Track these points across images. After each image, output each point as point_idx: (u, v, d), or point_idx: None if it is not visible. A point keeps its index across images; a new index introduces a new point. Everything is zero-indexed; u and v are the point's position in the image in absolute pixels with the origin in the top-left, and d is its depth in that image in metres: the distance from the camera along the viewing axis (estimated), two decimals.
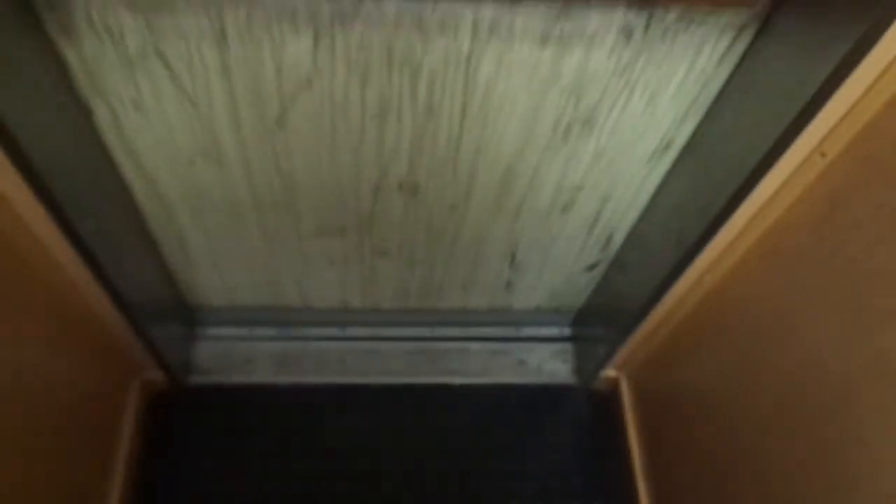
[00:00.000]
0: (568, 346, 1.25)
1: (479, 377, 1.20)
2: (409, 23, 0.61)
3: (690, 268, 0.82)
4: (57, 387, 0.82)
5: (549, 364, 1.23)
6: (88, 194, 0.72)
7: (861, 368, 0.59)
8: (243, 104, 0.69)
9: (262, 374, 1.16)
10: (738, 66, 0.67)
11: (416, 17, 0.60)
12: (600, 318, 1.10)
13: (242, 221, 0.89)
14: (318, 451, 1.11)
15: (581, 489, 1.12)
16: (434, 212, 0.89)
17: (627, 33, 0.63)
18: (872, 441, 0.58)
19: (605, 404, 1.20)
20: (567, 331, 1.25)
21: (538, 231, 0.95)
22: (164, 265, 0.98)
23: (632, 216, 0.93)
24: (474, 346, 1.23)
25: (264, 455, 1.10)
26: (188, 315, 1.15)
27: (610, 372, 1.19)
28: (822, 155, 0.63)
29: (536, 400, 1.19)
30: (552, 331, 1.25)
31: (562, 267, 1.06)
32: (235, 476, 1.08)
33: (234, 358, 1.17)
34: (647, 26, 0.62)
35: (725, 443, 0.84)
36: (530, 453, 1.14)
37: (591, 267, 1.06)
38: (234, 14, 0.59)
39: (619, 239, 0.98)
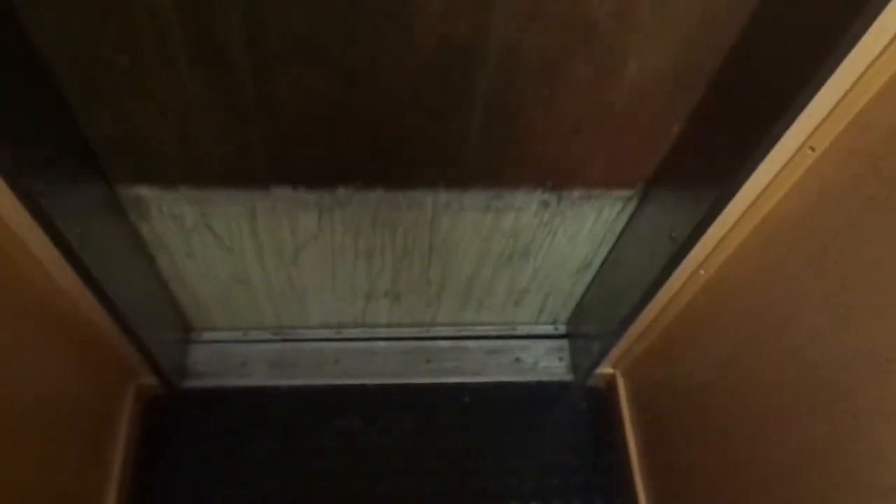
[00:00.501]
0: (564, 343, 1.26)
1: (476, 376, 1.21)
2: (388, 204, 0.85)
3: (684, 263, 0.83)
4: (49, 393, 0.83)
5: (545, 361, 1.24)
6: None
7: (855, 362, 0.59)
8: (267, 251, 0.93)
9: (258, 377, 1.17)
10: (632, 216, 0.91)
11: (393, 201, 0.84)
12: (595, 315, 1.11)
13: (261, 314, 1.13)
14: (316, 453, 1.12)
15: (580, 486, 1.13)
16: (414, 309, 1.13)
17: (545, 205, 0.87)
18: (868, 434, 0.58)
19: (602, 401, 1.21)
20: (562, 328, 1.26)
21: (497, 319, 1.19)
22: (160, 276, 1.00)
23: (571, 303, 1.17)
24: (470, 344, 1.23)
25: (261, 457, 1.11)
26: (183, 320, 1.16)
27: (606, 369, 1.20)
28: (812, 149, 0.62)
29: (533, 398, 1.20)
30: (547, 328, 1.26)
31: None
32: (233, 479, 1.08)
33: (230, 361, 1.17)
34: (559, 201, 0.87)
35: (721, 437, 0.85)
36: (528, 451, 1.15)
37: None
38: (262, 204, 0.83)
39: (563, 319, 1.23)
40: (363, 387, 1.18)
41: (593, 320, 1.12)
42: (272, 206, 0.84)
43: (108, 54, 0.60)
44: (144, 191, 0.80)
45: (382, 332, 1.22)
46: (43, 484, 0.82)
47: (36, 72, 0.61)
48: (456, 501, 1.10)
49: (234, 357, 1.18)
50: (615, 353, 1.14)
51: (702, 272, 0.86)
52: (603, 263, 1.02)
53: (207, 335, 1.20)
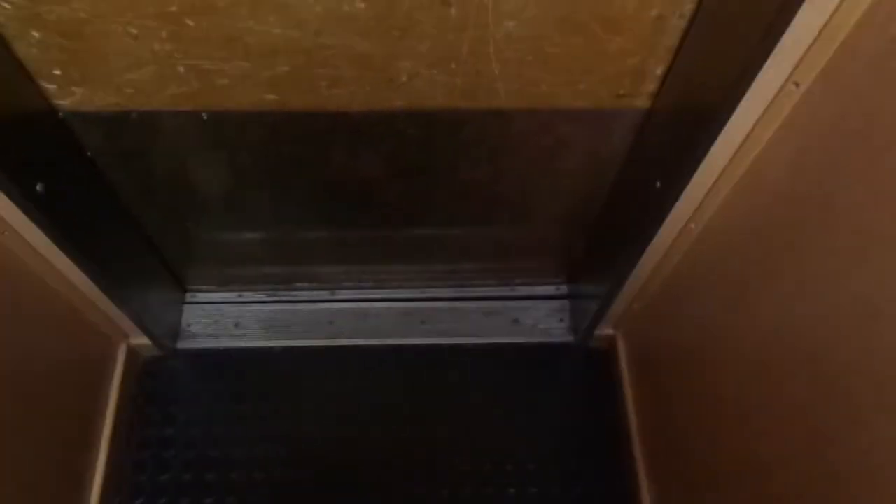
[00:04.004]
0: (565, 304, 1.21)
1: (473, 337, 1.18)
2: None
3: (673, 215, 0.79)
4: (25, 359, 0.81)
5: (545, 322, 1.20)
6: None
7: (840, 312, 0.55)
8: None
9: (252, 338, 1.15)
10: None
11: None
12: (593, 273, 1.07)
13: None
14: (308, 415, 1.10)
15: (577, 448, 1.11)
16: None
17: None
18: (854, 388, 0.55)
19: (601, 362, 1.18)
20: (563, 288, 1.22)
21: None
22: (149, 237, 0.99)
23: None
24: (468, 305, 1.20)
25: (255, 419, 1.09)
26: (175, 280, 1.14)
27: (607, 329, 1.16)
28: (796, 85, 0.58)
29: (532, 359, 1.17)
30: (548, 289, 1.22)
31: None
32: (225, 441, 1.07)
33: (223, 322, 1.16)
34: None
35: (715, 394, 0.82)
36: (527, 412, 1.13)
37: None
38: None
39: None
40: (357, 348, 1.16)
41: (591, 279, 1.08)
42: None
43: None
44: None
45: (378, 293, 1.19)
46: (23, 450, 0.80)
47: None
48: (449, 466, 1.08)
49: (228, 317, 1.17)
50: (615, 312, 1.09)
51: (692, 226, 0.81)
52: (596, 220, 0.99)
53: (202, 296, 1.18)
